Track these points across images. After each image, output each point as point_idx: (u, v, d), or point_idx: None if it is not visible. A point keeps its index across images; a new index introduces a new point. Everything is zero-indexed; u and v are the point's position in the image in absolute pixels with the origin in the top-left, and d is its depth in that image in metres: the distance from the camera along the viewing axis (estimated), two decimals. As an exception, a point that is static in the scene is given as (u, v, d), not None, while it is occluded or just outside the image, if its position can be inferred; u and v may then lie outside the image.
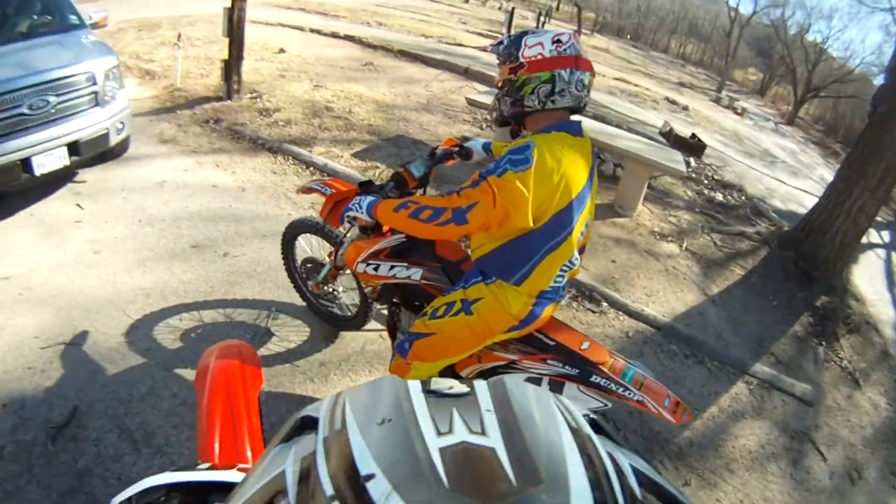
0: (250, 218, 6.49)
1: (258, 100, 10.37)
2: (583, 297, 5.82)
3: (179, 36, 12.16)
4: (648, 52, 60.13)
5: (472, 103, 9.35)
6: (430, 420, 1.37)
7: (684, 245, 7.47)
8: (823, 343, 6.42)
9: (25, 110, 6.29)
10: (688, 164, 10.36)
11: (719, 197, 9.54)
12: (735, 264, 7.44)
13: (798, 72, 45.00)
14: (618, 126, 11.22)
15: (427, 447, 1.20)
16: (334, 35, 17.83)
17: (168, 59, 13.26)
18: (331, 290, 4.62)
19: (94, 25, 8.51)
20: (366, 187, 3.33)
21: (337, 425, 1.42)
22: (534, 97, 2.64)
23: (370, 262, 3.45)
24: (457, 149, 3.56)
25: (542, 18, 31.76)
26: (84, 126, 6.73)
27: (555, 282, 2.80)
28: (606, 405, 2.88)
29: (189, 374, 4.27)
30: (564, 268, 2.80)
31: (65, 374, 4.30)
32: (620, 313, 5.71)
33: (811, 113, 51.68)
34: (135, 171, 7.61)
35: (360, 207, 2.91)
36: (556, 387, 2.86)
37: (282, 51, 14.51)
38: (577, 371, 2.85)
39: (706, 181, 10.20)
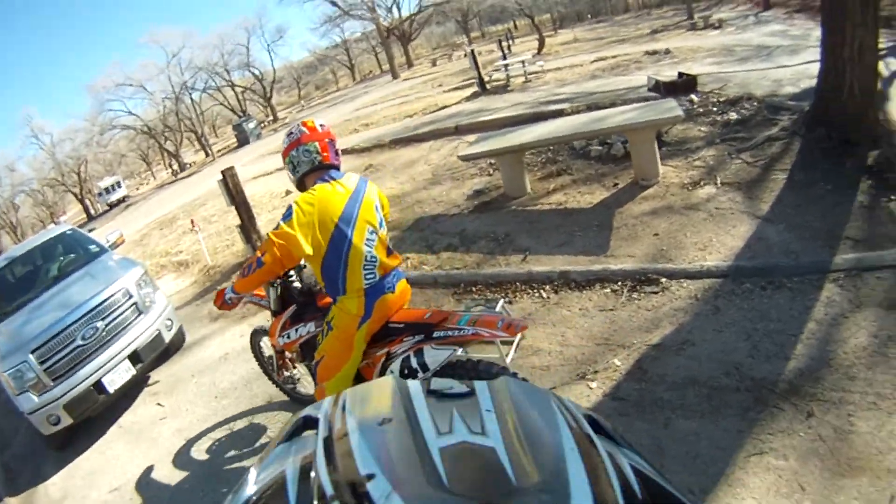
0: (313, 356, 6.67)
1: (284, 246, 10.73)
2: (640, 283, 5.71)
3: (192, 222, 13.03)
4: (612, 20, 59.96)
5: (465, 159, 9.35)
6: (431, 420, 1.46)
7: (718, 181, 7.28)
8: (893, 197, 6.08)
9: (80, 342, 6.89)
10: (690, 102, 10.25)
11: (733, 115, 9.31)
12: (774, 172, 7.20)
13: (747, -47, 44.41)
14: (611, 105, 11.20)
15: (427, 447, 1.34)
16: (328, 154, 18.25)
17: (193, 244, 14.13)
18: (289, 374, 5.57)
19: (114, 245, 9.34)
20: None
21: (337, 425, 1.52)
22: (290, 173, 3.98)
23: (282, 333, 4.62)
24: None
25: (504, 44, 32.00)
26: (136, 336, 7.33)
27: (367, 279, 3.72)
28: (455, 350, 3.57)
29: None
30: (367, 266, 3.73)
31: None
32: (682, 281, 5.55)
33: (781, -15, 50.72)
34: (198, 355, 8.07)
35: (230, 290, 4.01)
36: (418, 354, 3.61)
37: (288, 192, 15.22)
38: (424, 335, 3.61)
39: (714, 108, 9.98)
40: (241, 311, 8.91)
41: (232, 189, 10.47)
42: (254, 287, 3.87)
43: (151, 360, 7.56)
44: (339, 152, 4.01)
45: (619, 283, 5.83)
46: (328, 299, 4.29)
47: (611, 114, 8.59)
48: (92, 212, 64.32)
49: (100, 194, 62.50)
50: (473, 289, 6.76)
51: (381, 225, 3.88)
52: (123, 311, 7.39)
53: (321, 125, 3.92)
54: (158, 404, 7.27)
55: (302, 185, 3.96)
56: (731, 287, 5.27)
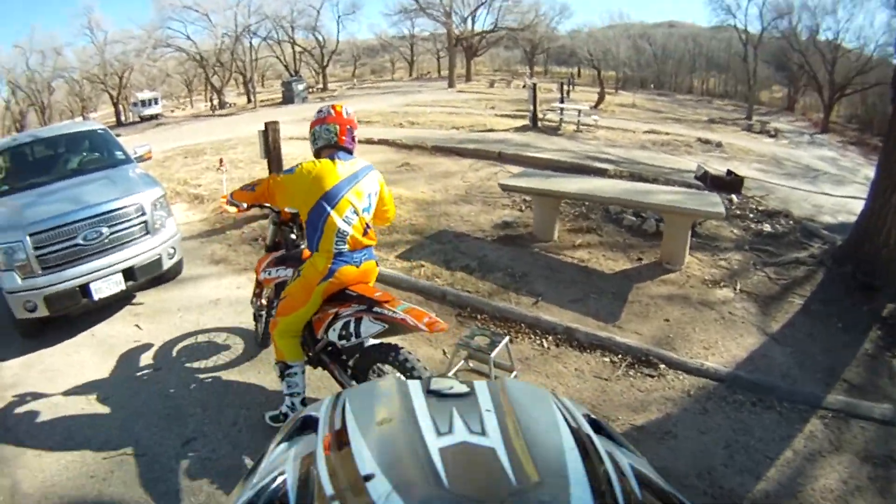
0: (299, 327, 6.64)
1: (303, 213, 10.65)
2: (639, 363, 5.73)
3: (221, 161, 12.66)
4: (674, 96, 60.01)
5: (505, 188, 9.42)
6: (430, 420, 1.51)
7: (738, 287, 7.31)
8: (898, 354, 6.12)
9: (80, 241, 6.88)
10: (730, 202, 10.30)
11: (767, 228, 9.38)
12: (793, 294, 7.23)
13: (819, 76, 44.63)
14: (654, 180, 11.28)
15: (427, 447, 1.37)
16: (369, 141, 18.24)
17: (214, 182, 14.07)
18: (259, 305, 6.28)
19: (140, 159, 9.25)
20: None
21: (337, 425, 1.57)
22: (311, 143, 4.72)
23: (265, 269, 5.41)
24: None
25: (565, 87, 32.01)
26: (137, 253, 7.32)
27: (336, 246, 4.40)
28: (385, 327, 4.22)
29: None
30: (338, 236, 4.38)
31: (125, 483, 4.58)
32: (679, 372, 5.57)
33: (842, 114, 50.67)
34: (190, 292, 8.08)
35: (230, 195, 4.90)
36: (357, 322, 4.32)
37: None
38: (367, 307, 4.31)
39: (751, 215, 10.04)
40: (244, 263, 8.99)
41: (270, 143, 10.61)
42: (242, 200, 4.85)
43: (143, 281, 7.60)
44: (356, 139, 4.73)
45: (620, 357, 5.86)
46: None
47: (653, 189, 8.66)
48: (122, 119, 64.25)
49: (135, 104, 62.80)
50: (478, 316, 6.77)
51: (365, 210, 4.56)
52: (131, 226, 7.38)
53: (348, 112, 4.70)
54: (137, 326, 7.27)
55: (317, 156, 4.66)
56: (724, 393, 5.31)
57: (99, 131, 9.83)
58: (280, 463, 1.51)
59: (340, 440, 1.46)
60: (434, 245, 8.96)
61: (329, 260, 4.43)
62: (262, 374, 5.91)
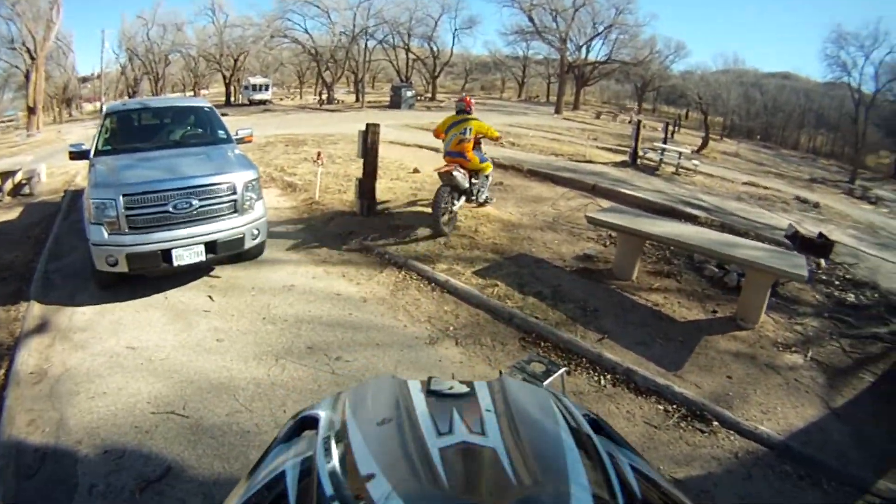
0: (367, 327, 6.88)
1: (389, 217, 11.05)
2: (692, 416, 5.60)
3: (319, 154, 13.31)
4: (779, 150, 58.87)
5: (591, 221, 9.40)
6: (431, 420, 1.56)
7: (809, 355, 7.09)
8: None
9: (170, 209, 7.21)
10: (817, 265, 10.06)
11: (850, 297, 9.09)
12: (865, 370, 6.95)
13: (932, 144, 43.09)
14: (744, 234, 11.10)
15: (427, 447, 1.40)
16: (465, 156, 18.39)
17: (309, 173, 14.55)
18: None
19: (241, 141, 9.59)
20: None
21: (337, 425, 1.62)
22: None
23: None
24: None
25: (670, 128, 31.73)
26: (221, 229, 7.59)
27: (446, 146, 11.12)
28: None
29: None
30: (447, 142, 11.08)
31: (167, 439, 4.83)
32: (731, 432, 5.41)
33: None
34: (266, 274, 8.39)
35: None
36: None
37: (416, 171, 15.62)
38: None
39: (836, 282, 9.76)
40: (324, 255, 9.35)
41: (369, 144, 10.97)
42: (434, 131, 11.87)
43: (223, 256, 7.90)
44: (471, 108, 11.05)
45: (675, 407, 5.75)
46: None
47: (739, 243, 8.49)
48: (232, 99, 67.05)
49: (246, 87, 65.57)
50: (542, 344, 6.80)
51: (461, 133, 10.74)
52: (220, 203, 7.69)
53: (470, 98, 11.36)
54: (209, 297, 7.64)
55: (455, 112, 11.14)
56: (772, 461, 5.12)
57: (206, 109, 10.31)
58: (280, 463, 1.55)
59: (340, 440, 1.49)
60: (512, 267, 9.03)
61: (445, 149, 10.99)
62: (318, 363, 6.09)
